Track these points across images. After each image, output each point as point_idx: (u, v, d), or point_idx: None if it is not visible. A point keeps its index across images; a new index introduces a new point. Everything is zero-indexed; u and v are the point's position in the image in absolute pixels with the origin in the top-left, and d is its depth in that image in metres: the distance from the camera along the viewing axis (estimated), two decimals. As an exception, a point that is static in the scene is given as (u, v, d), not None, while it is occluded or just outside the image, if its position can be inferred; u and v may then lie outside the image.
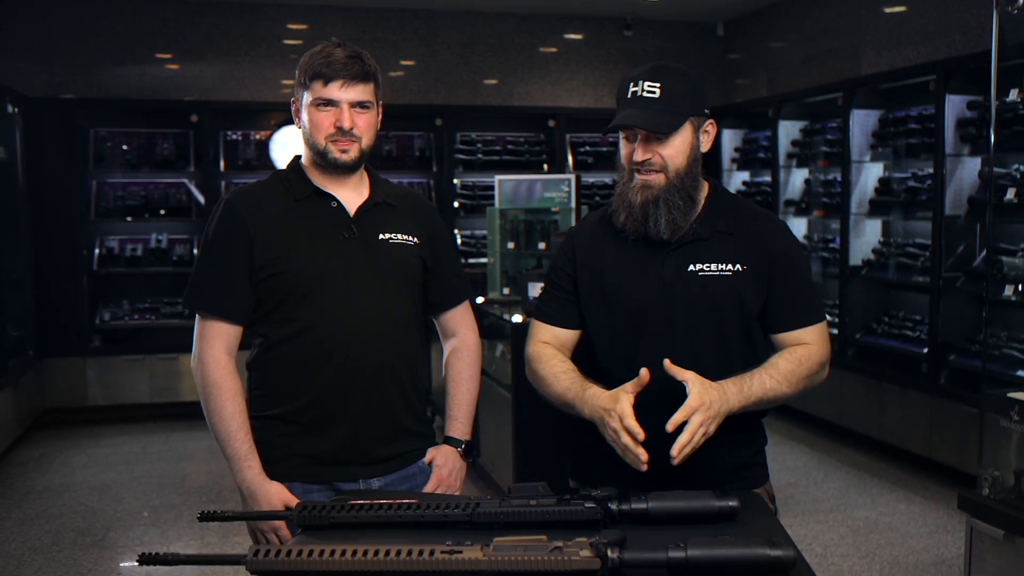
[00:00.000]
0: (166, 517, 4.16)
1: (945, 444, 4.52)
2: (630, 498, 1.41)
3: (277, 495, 1.76)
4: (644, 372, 1.56)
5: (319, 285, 1.78)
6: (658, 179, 1.67)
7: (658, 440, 1.62)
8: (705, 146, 1.73)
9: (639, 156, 1.67)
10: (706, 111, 1.72)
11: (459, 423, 1.98)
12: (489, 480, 4.38)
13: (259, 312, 1.82)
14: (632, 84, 1.67)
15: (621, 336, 1.73)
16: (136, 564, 1.98)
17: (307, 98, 1.78)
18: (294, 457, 1.81)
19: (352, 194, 1.86)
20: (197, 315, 1.81)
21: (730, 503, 1.40)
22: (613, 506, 1.40)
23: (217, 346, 1.79)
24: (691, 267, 1.70)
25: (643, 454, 1.52)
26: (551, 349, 1.79)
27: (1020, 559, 2.68)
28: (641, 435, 1.53)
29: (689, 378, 1.55)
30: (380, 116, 1.88)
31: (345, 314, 1.79)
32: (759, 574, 1.23)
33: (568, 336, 1.81)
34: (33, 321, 5.76)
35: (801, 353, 1.68)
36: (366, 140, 1.82)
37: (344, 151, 1.79)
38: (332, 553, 1.23)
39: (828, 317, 6.14)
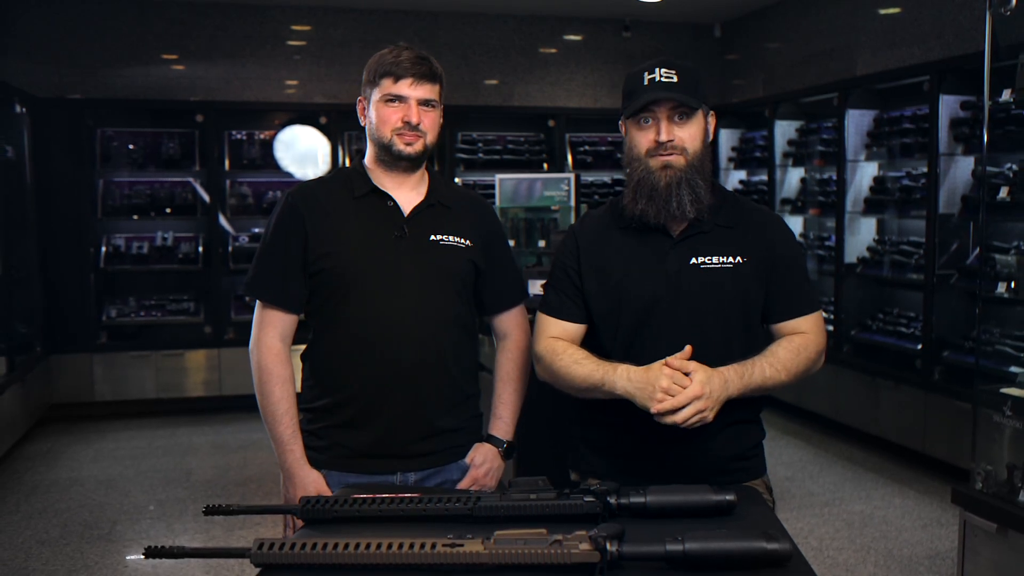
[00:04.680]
0: (172, 511, 4.18)
1: (939, 439, 4.55)
2: (629, 492, 1.42)
3: (313, 483, 1.83)
4: (688, 349, 1.61)
5: (363, 281, 1.83)
6: (679, 160, 1.70)
7: (657, 431, 1.67)
8: (711, 135, 1.79)
9: (664, 135, 1.69)
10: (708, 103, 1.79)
11: (503, 422, 2.03)
12: (490, 474, 4.42)
13: (311, 305, 1.89)
14: (648, 72, 1.71)
15: (625, 329, 1.75)
16: (142, 557, 2.02)
17: (375, 95, 1.85)
18: (335, 447, 1.87)
19: (410, 194, 1.90)
20: (257, 302, 1.89)
21: (727, 497, 1.41)
22: (612, 500, 1.41)
23: (271, 333, 1.86)
24: (693, 260, 1.73)
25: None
26: (562, 342, 1.79)
27: (1013, 552, 2.68)
28: (686, 381, 1.57)
29: (691, 367, 1.59)
30: (441, 118, 1.94)
31: (385, 312, 1.83)
32: (756, 567, 1.24)
33: (576, 330, 1.81)
34: (41, 318, 5.80)
35: (799, 342, 1.72)
36: (430, 136, 1.88)
37: (409, 144, 1.85)
38: (335, 546, 1.24)
39: (824, 313, 6.15)
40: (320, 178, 1.98)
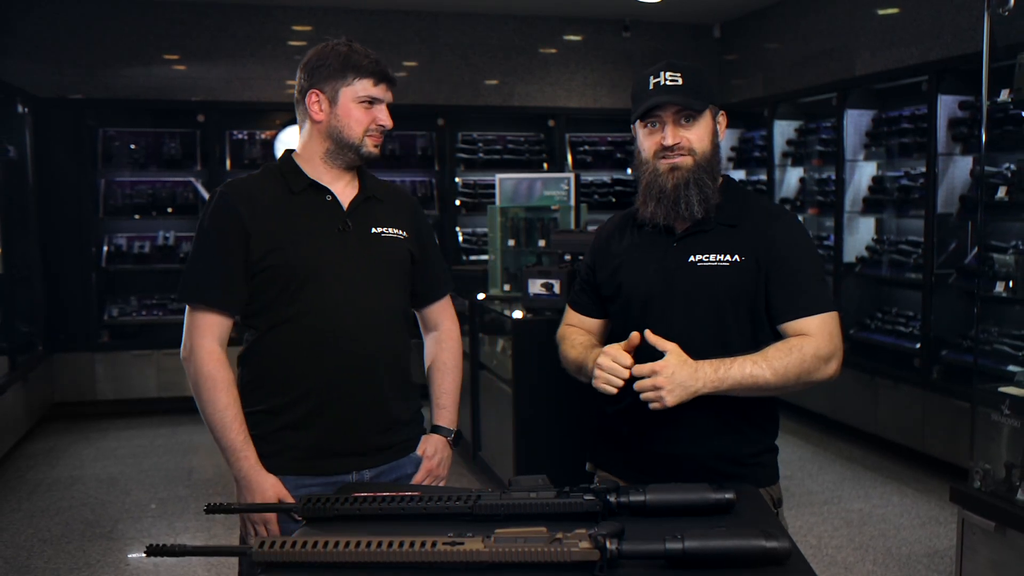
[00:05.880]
0: (173, 509, 4.20)
1: (937, 438, 4.56)
2: (628, 491, 1.43)
3: (272, 487, 1.76)
4: (634, 335, 1.65)
5: (316, 277, 1.80)
6: (686, 161, 1.72)
7: (655, 425, 1.70)
8: (721, 135, 1.79)
9: (670, 140, 1.71)
10: (719, 102, 1.80)
11: (447, 411, 2.02)
12: (490, 473, 4.41)
13: (255, 304, 1.82)
14: (653, 76, 1.74)
15: (630, 324, 1.77)
16: (144, 555, 2.01)
17: (346, 93, 1.81)
18: (287, 450, 1.82)
19: (346, 188, 1.89)
20: (188, 307, 1.81)
21: (726, 496, 1.42)
22: (612, 498, 1.41)
23: (209, 338, 1.79)
24: (692, 258, 1.74)
25: (616, 380, 1.62)
26: (572, 328, 1.91)
27: (1011, 550, 2.69)
28: (627, 360, 1.62)
29: (669, 348, 1.61)
30: None
31: (341, 306, 1.81)
32: (755, 565, 1.23)
33: (591, 324, 1.91)
34: (43, 317, 5.82)
35: (794, 343, 1.65)
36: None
37: (377, 145, 1.86)
38: (335, 545, 1.24)
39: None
40: (251, 175, 1.91)
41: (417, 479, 1.93)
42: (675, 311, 1.74)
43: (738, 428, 1.75)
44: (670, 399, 1.57)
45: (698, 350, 1.64)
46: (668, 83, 1.72)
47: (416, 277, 1.97)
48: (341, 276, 1.82)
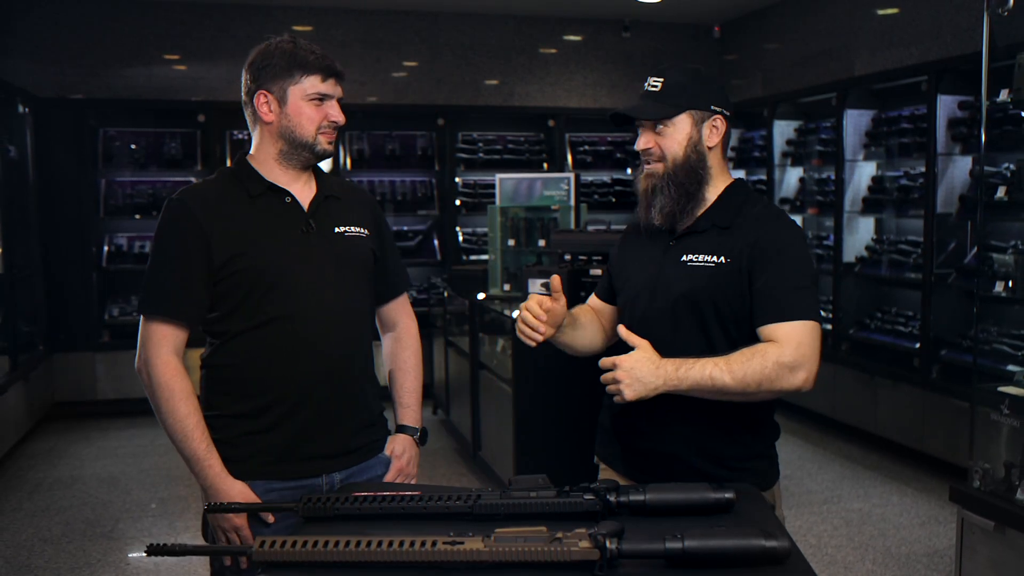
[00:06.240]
0: (174, 509, 4.21)
1: (936, 437, 4.57)
2: (628, 490, 1.43)
3: (240, 493, 1.74)
4: (554, 277, 1.74)
5: (283, 280, 1.77)
6: (657, 168, 1.76)
7: (645, 424, 1.72)
8: (711, 140, 1.76)
9: (638, 145, 1.78)
10: (713, 108, 1.76)
11: (411, 410, 2.00)
12: (490, 472, 4.42)
13: (220, 309, 1.79)
14: (646, 81, 1.79)
15: (625, 319, 1.82)
16: (144, 555, 1.99)
17: (295, 91, 1.78)
18: (257, 455, 1.79)
19: (304, 188, 1.86)
20: (143, 318, 1.77)
21: (726, 495, 1.42)
22: (611, 498, 1.41)
23: (166, 349, 1.75)
24: (683, 257, 1.75)
25: (530, 332, 1.72)
26: (583, 307, 1.98)
27: (1010, 550, 2.70)
28: (544, 306, 1.71)
29: (638, 344, 1.62)
30: None
31: (312, 308, 1.79)
32: (755, 564, 1.24)
33: (602, 306, 1.98)
34: (43, 316, 5.83)
35: (759, 348, 1.61)
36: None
37: (330, 142, 1.83)
38: (335, 544, 1.24)
39: (822, 313, 6.15)
40: (206, 180, 1.87)
41: (388, 478, 1.92)
42: (664, 308, 1.76)
43: (729, 431, 1.75)
44: (628, 393, 1.58)
45: (681, 349, 1.66)
46: (649, 88, 1.76)
47: (376, 275, 1.96)
48: (308, 278, 1.79)
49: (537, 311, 1.71)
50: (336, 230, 1.86)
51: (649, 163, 1.77)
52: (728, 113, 1.78)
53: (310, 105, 1.79)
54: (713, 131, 1.76)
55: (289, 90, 1.78)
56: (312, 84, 1.78)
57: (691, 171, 1.75)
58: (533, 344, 1.74)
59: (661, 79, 1.75)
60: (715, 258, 1.72)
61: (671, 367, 1.60)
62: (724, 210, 1.77)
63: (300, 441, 1.80)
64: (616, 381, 1.59)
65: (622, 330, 1.66)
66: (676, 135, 1.74)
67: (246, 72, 1.82)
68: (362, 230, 1.90)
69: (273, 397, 1.78)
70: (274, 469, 1.79)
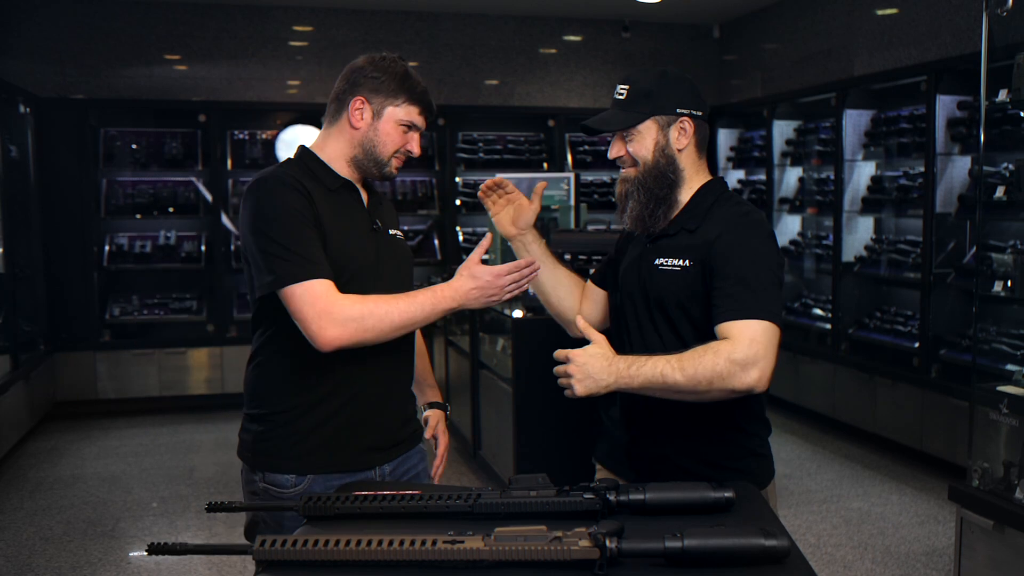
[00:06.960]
0: (175, 508, 4.21)
1: (936, 436, 4.58)
2: (628, 489, 1.43)
3: (483, 272, 1.77)
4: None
5: (361, 275, 1.81)
6: (629, 173, 1.78)
7: (636, 425, 1.73)
8: (679, 143, 1.75)
9: (611, 154, 1.81)
10: (679, 110, 1.75)
11: (434, 389, 2.12)
12: (490, 471, 4.43)
13: None
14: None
15: (612, 315, 1.90)
16: (145, 554, 2.01)
17: (391, 112, 1.83)
18: (318, 450, 1.80)
19: (362, 190, 1.93)
20: (296, 287, 1.68)
21: (726, 494, 1.42)
22: (611, 497, 1.42)
23: (334, 290, 1.71)
24: (656, 260, 1.77)
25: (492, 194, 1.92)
26: (575, 275, 2.05)
27: (1009, 549, 2.70)
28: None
29: (595, 339, 1.63)
30: None
31: None
32: (754, 563, 1.24)
33: (594, 290, 2.01)
34: (44, 316, 5.83)
35: (712, 346, 1.58)
36: None
37: (397, 168, 1.90)
38: (336, 543, 1.24)
39: (818, 316, 5.95)
40: (279, 168, 1.83)
41: (440, 452, 2.04)
42: (635, 309, 1.80)
43: (717, 431, 1.75)
44: (579, 388, 1.58)
45: (654, 349, 1.68)
46: (616, 96, 1.79)
47: None
48: (379, 274, 1.85)
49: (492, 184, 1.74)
50: (390, 232, 1.94)
51: (623, 168, 1.80)
52: (699, 113, 1.77)
53: (399, 130, 1.85)
54: (681, 133, 1.75)
55: (388, 109, 1.84)
56: (409, 112, 1.85)
57: (661, 175, 1.75)
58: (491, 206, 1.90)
59: (627, 87, 1.76)
60: (682, 261, 1.72)
61: (623, 364, 1.59)
62: (693, 213, 1.77)
63: (359, 434, 1.83)
64: (568, 375, 1.59)
65: (580, 322, 1.67)
66: (644, 141, 1.75)
67: (348, 73, 1.87)
68: (399, 232, 1.98)
69: (331, 388, 1.80)
70: (334, 462, 1.81)
